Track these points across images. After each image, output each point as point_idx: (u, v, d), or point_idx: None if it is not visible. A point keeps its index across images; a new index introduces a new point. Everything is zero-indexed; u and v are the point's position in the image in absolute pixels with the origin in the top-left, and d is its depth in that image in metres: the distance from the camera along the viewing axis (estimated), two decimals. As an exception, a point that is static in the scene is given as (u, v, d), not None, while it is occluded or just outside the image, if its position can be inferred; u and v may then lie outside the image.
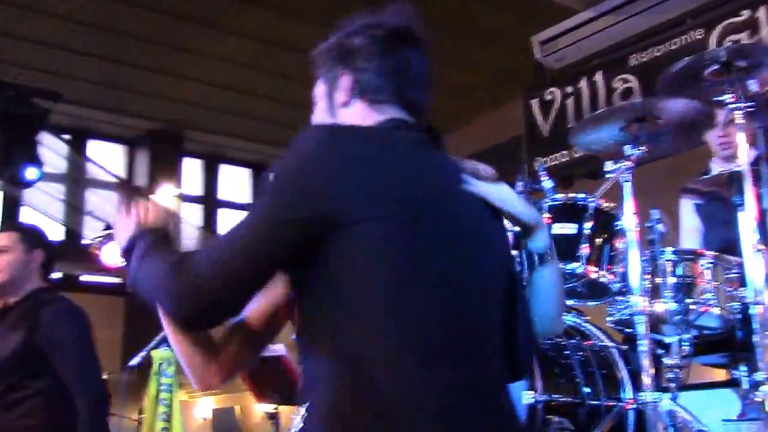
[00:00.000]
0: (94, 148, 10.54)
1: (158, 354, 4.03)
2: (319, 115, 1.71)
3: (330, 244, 1.39)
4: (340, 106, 1.66)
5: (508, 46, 6.74)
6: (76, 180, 9.61)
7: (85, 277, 9.84)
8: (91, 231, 8.91)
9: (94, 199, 9.53)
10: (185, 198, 10.93)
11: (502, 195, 1.65)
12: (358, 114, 1.63)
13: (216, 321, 1.52)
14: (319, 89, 1.72)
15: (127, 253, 1.67)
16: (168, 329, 1.65)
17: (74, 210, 9.42)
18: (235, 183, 11.52)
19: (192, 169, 11.24)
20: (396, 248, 1.40)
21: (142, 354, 4.12)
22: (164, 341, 3.99)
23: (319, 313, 1.44)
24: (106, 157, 10.43)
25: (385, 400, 1.34)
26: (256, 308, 1.68)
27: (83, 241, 8.93)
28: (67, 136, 9.72)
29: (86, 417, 3.05)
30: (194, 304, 1.44)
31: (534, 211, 1.73)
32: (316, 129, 1.58)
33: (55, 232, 9.39)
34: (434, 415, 1.35)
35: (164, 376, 4.01)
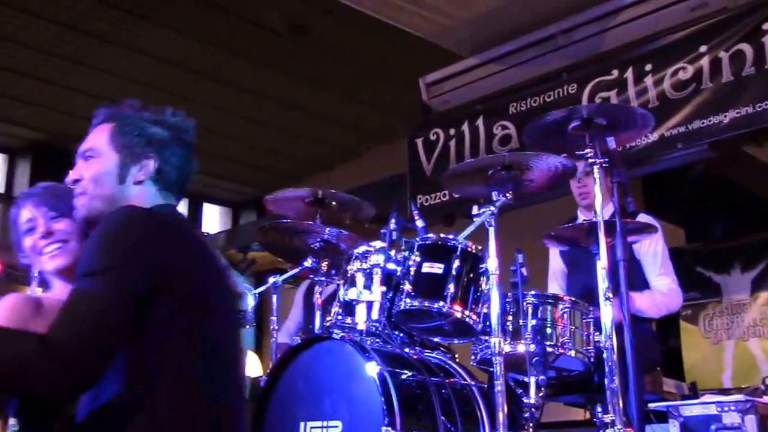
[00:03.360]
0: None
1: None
2: (103, 178, 1.89)
3: None
4: (133, 181, 1.89)
5: (402, 83, 6.88)
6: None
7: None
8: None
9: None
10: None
11: None
12: (146, 194, 1.89)
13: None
14: (109, 154, 1.91)
15: None
16: None
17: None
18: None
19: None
20: None
21: None
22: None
23: None
24: (-15, 166, 10.01)
25: None
26: None
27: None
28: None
29: None
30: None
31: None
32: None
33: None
34: None
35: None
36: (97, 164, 1.89)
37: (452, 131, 5.49)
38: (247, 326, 3.98)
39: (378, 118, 8.25)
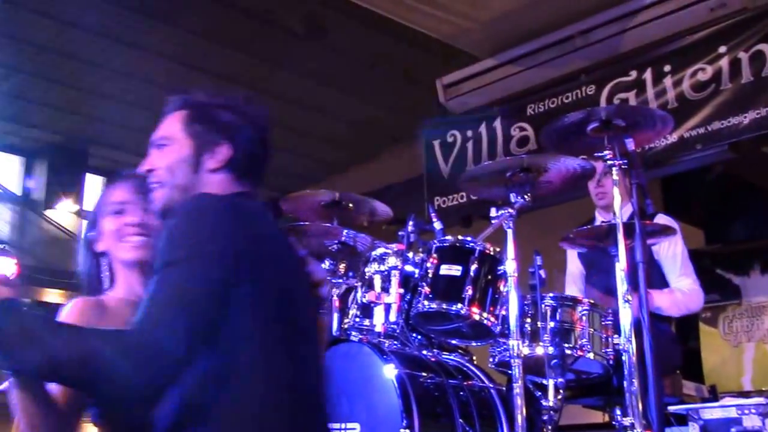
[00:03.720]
0: (-9, 158, 10.17)
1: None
2: (177, 166, 1.82)
3: None
4: (208, 168, 1.82)
5: (417, 84, 6.89)
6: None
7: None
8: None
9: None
10: (85, 215, 10.66)
11: None
12: (221, 182, 1.82)
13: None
14: (183, 142, 1.84)
15: None
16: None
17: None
18: (138, 201, 11.29)
19: (94, 185, 10.97)
20: None
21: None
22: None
23: None
24: (3, 169, 10.07)
25: None
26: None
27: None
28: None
29: None
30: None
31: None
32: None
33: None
34: None
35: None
36: (172, 152, 1.83)
37: (469, 133, 5.47)
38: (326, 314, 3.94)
39: (395, 120, 8.25)
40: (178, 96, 1.92)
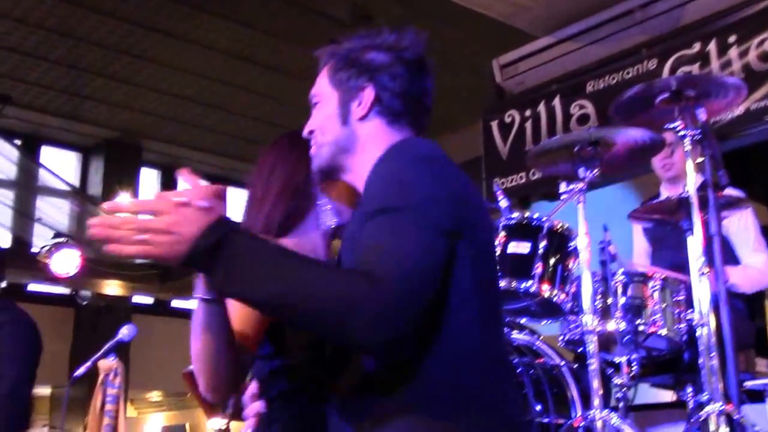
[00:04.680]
0: (48, 154, 10.36)
1: (105, 364, 3.95)
2: (327, 121, 1.68)
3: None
4: (356, 118, 1.65)
5: (470, 68, 6.84)
6: (27, 186, 9.44)
7: (32, 287, 9.65)
8: (40, 239, 8.74)
9: (44, 206, 9.36)
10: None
11: None
12: (375, 130, 1.65)
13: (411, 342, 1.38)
14: (330, 94, 1.70)
15: (209, 253, 1.34)
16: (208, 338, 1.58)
17: (23, 217, 9.24)
18: (194, 195, 11.42)
19: (149, 179, 11.14)
20: None
21: (88, 365, 3.94)
22: (111, 351, 3.93)
23: None
24: (60, 164, 10.26)
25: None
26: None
27: (32, 249, 8.76)
28: (18, 141, 9.56)
29: None
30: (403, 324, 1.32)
31: None
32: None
33: (2, 239, 9.20)
34: None
35: (110, 387, 3.94)
36: (322, 109, 1.70)
37: (528, 112, 5.42)
38: None
39: (445, 105, 8.21)
40: (326, 47, 1.77)
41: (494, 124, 5.63)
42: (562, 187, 2.92)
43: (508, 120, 5.54)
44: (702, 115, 2.87)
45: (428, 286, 1.35)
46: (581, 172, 2.97)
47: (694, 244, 2.86)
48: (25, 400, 3.07)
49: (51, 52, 7.96)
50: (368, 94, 1.64)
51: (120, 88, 8.76)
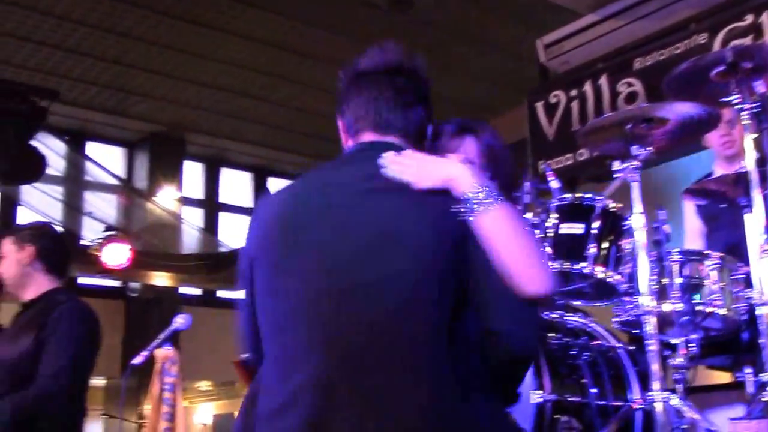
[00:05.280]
0: (94, 149, 10.50)
1: (161, 353, 3.99)
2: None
3: None
4: (346, 148, 1.89)
5: (512, 50, 6.77)
6: (75, 181, 9.58)
7: (83, 280, 9.81)
8: (90, 232, 8.87)
9: (93, 200, 9.49)
10: (186, 201, 10.92)
11: None
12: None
13: None
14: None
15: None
16: None
17: (72, 211, 9.38)
18: (237, 187, 11.51)
19: (193, 172, 11.22)
20: None
21: (145, 353, 4.03)
22: (167, 340, 3.97)
23: None
24: (107, 159, 10.40)
25: None
26: None
27: (82, 242, 8.90)
28: (66, 137, 9.70)
29: (22, 402, 2.95)
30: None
31: None
32: None
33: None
34: None
35: (167, 375, 3.98)
36: None
37: (573, 92, 5.34)
38: None
39: (487, 88, 8.15)
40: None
41: (539, 105, 5.56)
42: (615, 165, 2.86)
43: (553, 101, 5.46)
44: (760, 87, 2.78)
45: None
46: (634, 150, 2.91)
47: (753, 222, 2.79)
48: (66, 385, 3.02)
49: (94, 48, 8.05)
50: (340, 125, 1.94)
51: (163, 82, 8.83)
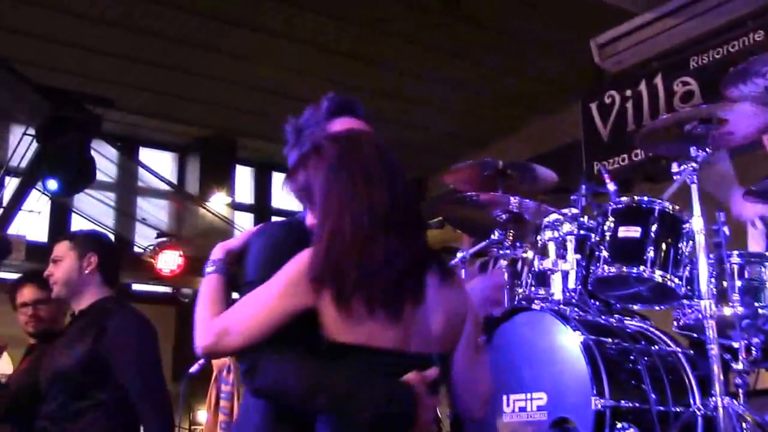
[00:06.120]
0: (145, 155, 10.61)
1: (218, 361, 4.00)
2: None
3: None
4: None
5: (565, 51, 6.71)
6: (128, 187, 9.71)
7: (136, 286, 9.92)
8: (142, 238, 9.00)
9: (145, 206, 9.61)
10: (237, 206, 11.00)
11: None
12: None
13: None
14: None
15: None
16: None
17: (125, 217, 9.51)
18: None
19: (244, 177, 11.29)
20: None
21: (201, 362, 4.02)
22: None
23: None
24: (157, 165, 10.51)
25: None
26: None
27: (135, 249, 9.02)
28: (117, 143, 9.84)
29: (153, 426, 2.99)
30: None
31: None
32: None
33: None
34: None
35: (224, 383, 4.00)
36: None
37: (628, 92, 5.27)
38: None
39: (536, 90, 8.08)
40: None
41: (593, 106, 5.50)
42: (674, 167, 2.82)
43: (608, 101, 5.40)
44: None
45: None
46: (692, 151, 2.86)
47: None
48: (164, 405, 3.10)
49: (145, 54, 8.16)
50: None
51: (213, 87, 8.91)
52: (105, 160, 8.62)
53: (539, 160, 6.52)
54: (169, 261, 8.09)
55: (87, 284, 3.19)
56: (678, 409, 2.77)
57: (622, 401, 2.65)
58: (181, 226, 9.54)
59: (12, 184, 6.90)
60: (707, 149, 2.85)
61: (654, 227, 2.88)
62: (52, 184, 6.16)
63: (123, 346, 3.03)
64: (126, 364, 3.02)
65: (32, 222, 8.40)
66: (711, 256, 2.93)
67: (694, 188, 2.80)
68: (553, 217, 3.12)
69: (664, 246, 2.88)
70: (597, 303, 3.12)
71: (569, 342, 2.70)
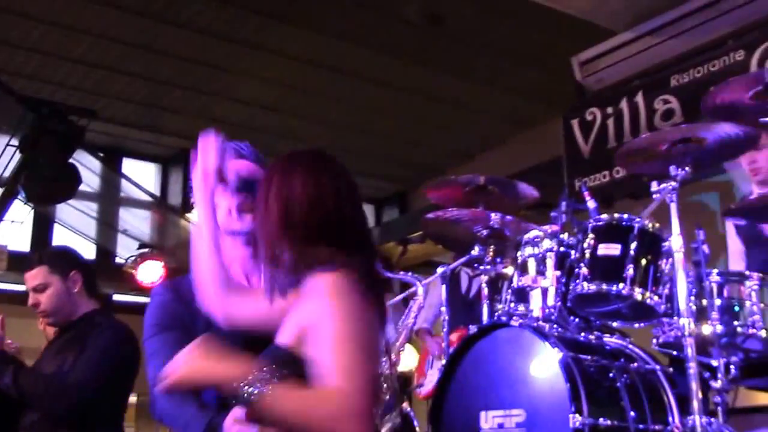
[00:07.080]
0: (129, 166, 10.55)
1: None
2: None
3: None
4: None
5: (548, 66, 6.73)
6: (110, 197, 9.65)
7: (117, 297, 9.85)
8: (124, 249, 8.93)
9: (127, 217, 9.55)
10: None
11: None
12: None
13: None
14: None
15: None
16: None
17: (107, 228, 9.45)
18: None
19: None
20: None
21: None
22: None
23: None
24: (140, 176, 10.44)
25: None
26: None
27: (117, 260, 8.96)
28: (101, 154, 9.78)
29: (30, 379, 2.98)
30: None
31: None
32: None
33: (87, 251, 9.41)
34: None
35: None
36: None
37: (609, 110, 5.31)
38: None
39: (519, 105, 8.11)
40: None
41: (575, 123, 5.53)
42: (653, 186, 2.83)
43: (589, 118, 5.43)
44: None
45: None
46: (672, 170, 2.88)
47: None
48: (82, 400, 3.01)
49: (130, 65, 8.13)
50: None
51: (198, 99, 8.87)
52: (88, 170, 8.55)
53: (522, 175, 6.59)
54: (151, 272, 8.04)
55: (77, 303, 3.23)
56: (657, 427, 2.78)
57: (601, 419, 2.65)
58: (163, 238, 9.48)
59: (-6, 194, 6.84)
60: (686, 168, 2.87)
61: (634, 245, 2.89)
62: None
63: (88, 349, 3.06)
64: (82, 360, 3.05)
65: (14, 232, 8.32)
66: (690, 274, 2.95)
67: (673, 207, 2.82)
68: (534, 233, 3.13)
69: (643, 263, 2.89)
70: (576, 320, 3.13)
71: (548, 359, 2.70)
